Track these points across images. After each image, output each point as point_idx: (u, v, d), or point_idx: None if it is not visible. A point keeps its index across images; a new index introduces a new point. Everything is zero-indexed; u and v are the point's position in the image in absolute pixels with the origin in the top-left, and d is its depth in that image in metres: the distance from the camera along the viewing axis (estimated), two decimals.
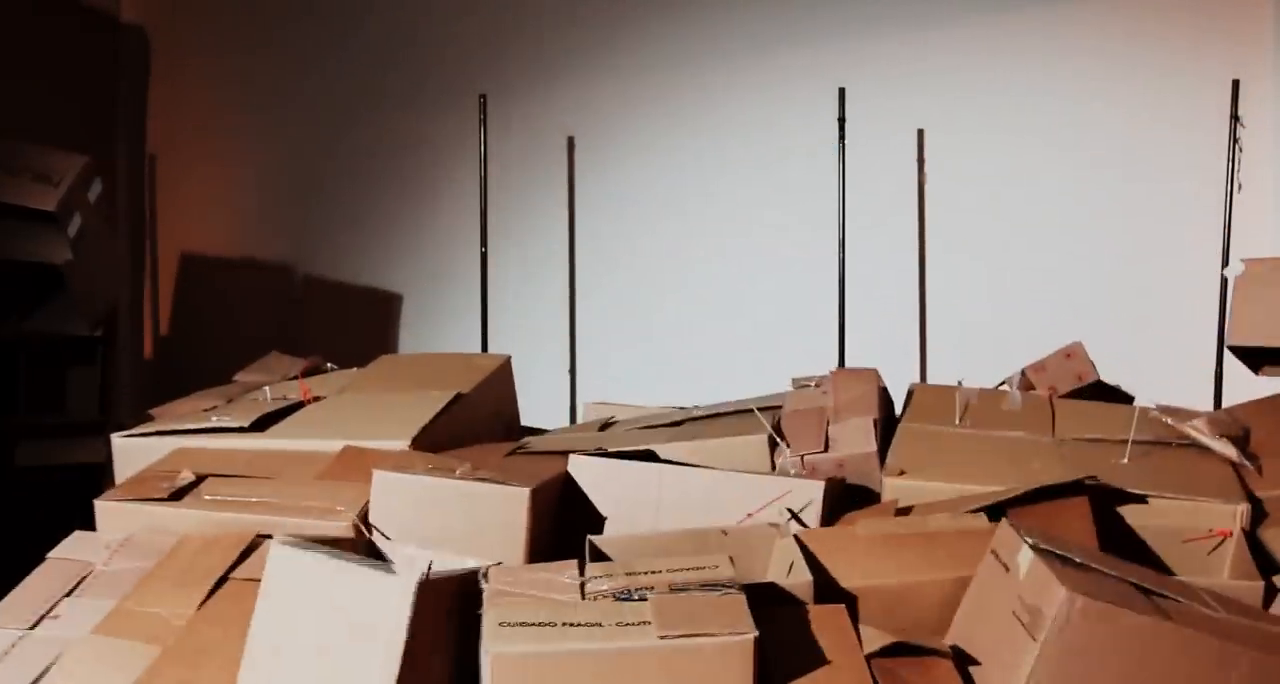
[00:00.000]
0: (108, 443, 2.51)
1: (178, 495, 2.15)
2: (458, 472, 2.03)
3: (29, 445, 3.77)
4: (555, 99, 4.48)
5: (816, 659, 1.56)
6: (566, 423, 4.39)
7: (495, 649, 1.48)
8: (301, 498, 2.09)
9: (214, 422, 2.44)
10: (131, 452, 2.43)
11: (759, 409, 2.38)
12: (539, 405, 4.42)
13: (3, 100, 4.10)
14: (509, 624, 1.52)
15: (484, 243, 4.41)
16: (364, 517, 2.00)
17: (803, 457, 2.21)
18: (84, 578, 1.99)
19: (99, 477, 3.34)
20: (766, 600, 1.69)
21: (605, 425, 2.65)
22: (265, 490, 2.15)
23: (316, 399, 2.66)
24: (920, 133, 4.04)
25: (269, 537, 2.01)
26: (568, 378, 4.47)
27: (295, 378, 2.93)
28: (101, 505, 2.17)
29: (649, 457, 2.22)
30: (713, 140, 4.31)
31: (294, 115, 4.87)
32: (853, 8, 4.13)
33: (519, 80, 4.49)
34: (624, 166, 4.44)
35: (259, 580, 1.87)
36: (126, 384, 4.79)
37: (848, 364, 3.98)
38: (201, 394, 2.90)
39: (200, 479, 2.21)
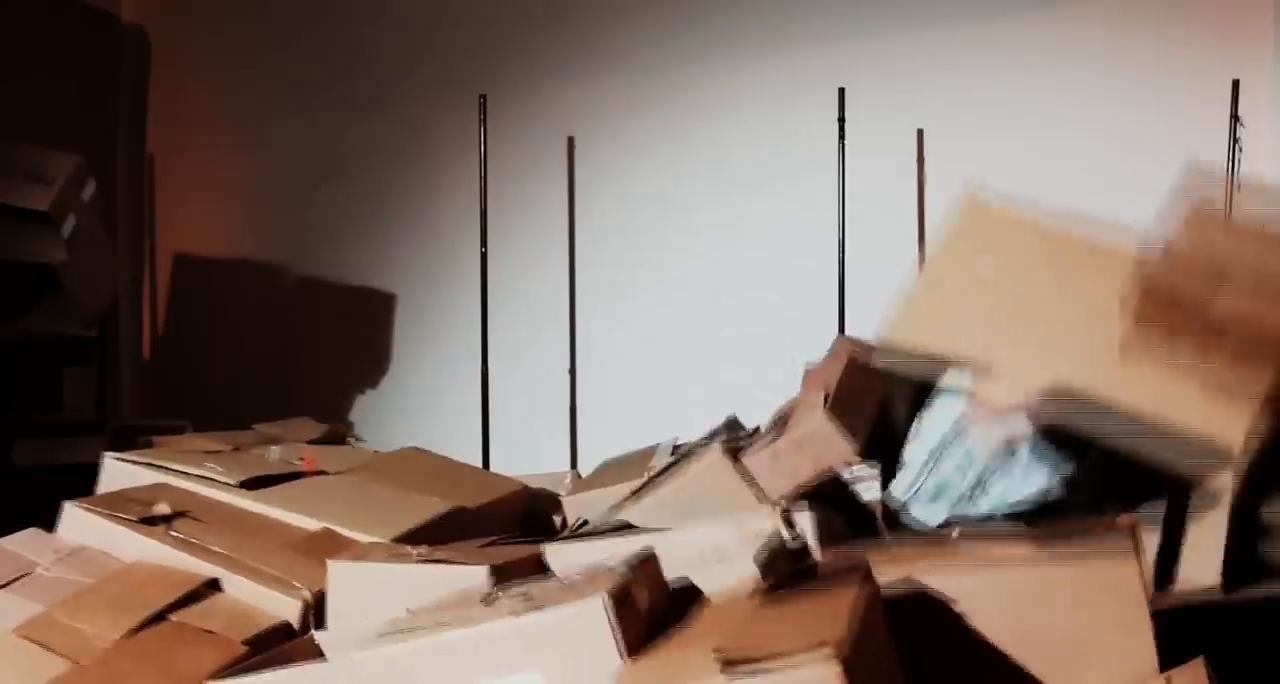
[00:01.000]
0: (105, 443, 2.50)
1: (147, 522, 2.10)
2: (415, 554, 1.91)
3: (25, 445, 3.76)
4: (555, 99, 4.47)
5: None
6: (566, 423, 4.39)
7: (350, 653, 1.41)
8: (263, 561, 2.03)
9: (206, 468, 2.40)
10: (119, 474, 2.40)
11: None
12: (538, 406, 4.45)
13: (2, 99, 4.10)
14: (383, 633, 1.45)
15: (484, 243, 4.41)
16: (318, 599, 1.92)
17: (767, 440, 2.12)
18: (22, 575, 1.94)
19: (96, 476, 3.33)
20: None
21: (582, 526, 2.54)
22: (230, 544, 2.09)
23: (320, 473, 2.60)
24: (920, 133, 4.03)
25: (217, 588, 1.97)
26: (568, 378, 4.46)
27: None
28: (69, 508, 2.11)
29: (625, 527, 2.13)
30: (713, 140, 4.29)
31: (294, 115, 4.86)
32: (853, 8, 4.12)
33: (519, 80, 4.48)
34: (624, 166, 4.43)
35: (196, 628, 1.82)
36: (124, 384, 4.79)
37: None
38: (213, 435, 2.87)
39: (175, 515, 2.17)
